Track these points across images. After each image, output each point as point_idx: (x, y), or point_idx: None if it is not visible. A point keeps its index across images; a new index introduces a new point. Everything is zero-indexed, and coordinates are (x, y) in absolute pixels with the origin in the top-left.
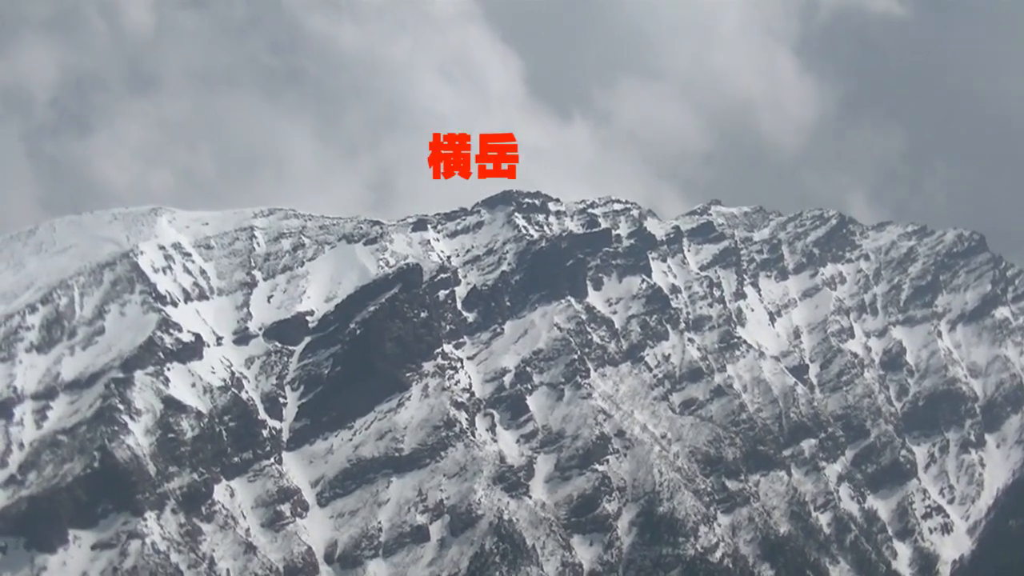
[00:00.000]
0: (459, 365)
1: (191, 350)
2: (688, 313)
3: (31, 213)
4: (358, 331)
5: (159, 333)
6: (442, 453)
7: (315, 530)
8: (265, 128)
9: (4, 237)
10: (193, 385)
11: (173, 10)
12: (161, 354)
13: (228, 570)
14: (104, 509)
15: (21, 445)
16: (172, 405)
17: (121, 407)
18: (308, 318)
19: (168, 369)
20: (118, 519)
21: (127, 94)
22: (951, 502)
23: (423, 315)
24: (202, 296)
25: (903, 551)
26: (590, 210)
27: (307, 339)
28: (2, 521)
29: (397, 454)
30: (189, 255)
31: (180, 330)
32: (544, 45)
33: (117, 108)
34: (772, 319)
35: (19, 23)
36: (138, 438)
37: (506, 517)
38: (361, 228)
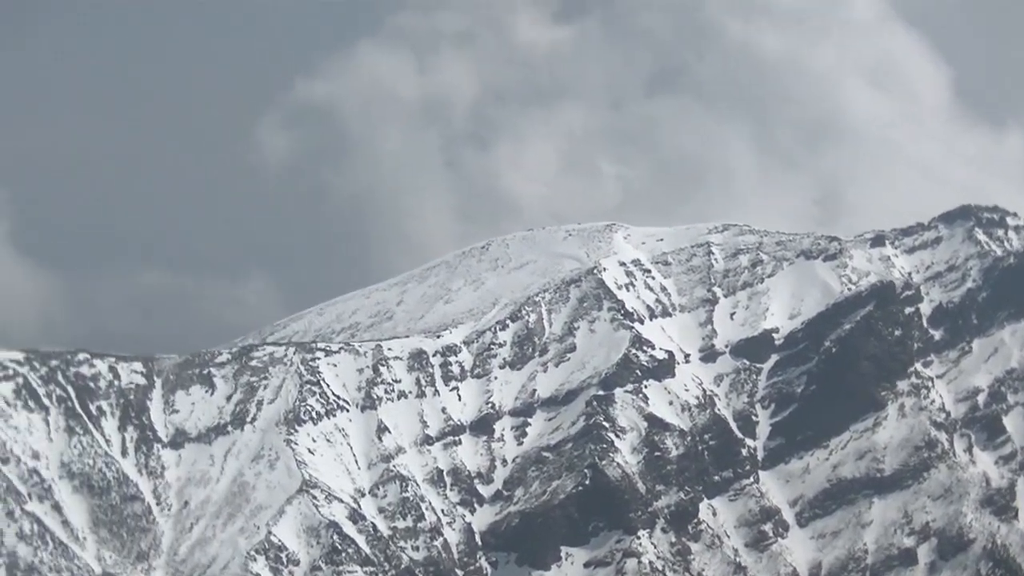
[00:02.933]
0: (931, 384)
1: (665, 367)
2: None
3: (450, 225)
4: (833, 349)
5: (633, 350)
6: (924, 474)
7: (797, 550)
8: (697, 138)
9: (456, 253)
10: (670, 403)
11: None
12: (638, 371)
13: None
14: (595, 527)
15: (504, 461)
16: (655, 423)
17: (606, 424)
18: (774, 335)
19: (646, 386)
20: (611, 537)
21: (537, 107)
22: None
23: (897, 333)
24: (665, 313)
25: None
26: None
27: (774, 356)
28: (492, 536)
29: (878, 474)
30: (649, 271)
31: (653, 347)
32: (970, 49)
33: (529, 121)
34: None
35: (437, 37)
36: (625, 456)
37: (999, 542)
38: (819, 244)
